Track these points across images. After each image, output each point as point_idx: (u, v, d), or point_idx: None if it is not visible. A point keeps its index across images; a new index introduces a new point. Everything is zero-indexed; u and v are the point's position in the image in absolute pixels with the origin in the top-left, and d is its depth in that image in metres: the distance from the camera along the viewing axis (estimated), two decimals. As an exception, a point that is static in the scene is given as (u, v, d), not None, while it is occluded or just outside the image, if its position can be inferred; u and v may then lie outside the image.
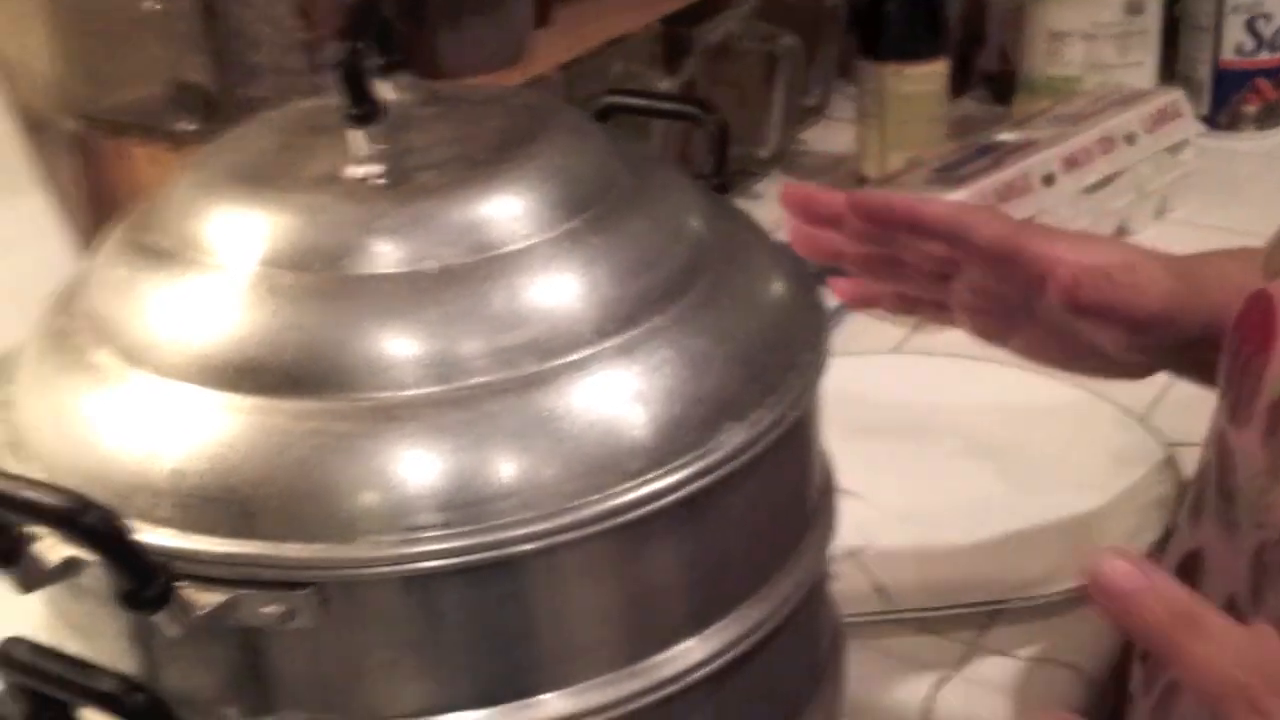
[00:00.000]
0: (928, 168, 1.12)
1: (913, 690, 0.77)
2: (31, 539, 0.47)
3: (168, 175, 0.54)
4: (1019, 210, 1.07)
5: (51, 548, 0.47)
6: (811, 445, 0.54)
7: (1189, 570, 0.67)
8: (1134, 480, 0.88)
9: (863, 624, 0.78)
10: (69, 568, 0.47)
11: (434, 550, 0.44)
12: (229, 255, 0.48)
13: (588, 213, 0.50)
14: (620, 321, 0.47)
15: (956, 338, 1.07)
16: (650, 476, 0.46)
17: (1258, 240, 0.72)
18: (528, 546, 0.45)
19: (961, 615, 0.80)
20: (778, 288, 0.53)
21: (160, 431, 0.47)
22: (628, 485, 0.46)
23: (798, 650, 0.55)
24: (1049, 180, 1.10)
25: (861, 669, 0.73)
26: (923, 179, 1.10)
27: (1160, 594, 0.47)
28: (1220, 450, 0.64)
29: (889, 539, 0.86)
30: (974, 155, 1.13)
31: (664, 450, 0.46)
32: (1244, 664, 0.46)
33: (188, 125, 0.98)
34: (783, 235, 0.75)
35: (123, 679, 0.46)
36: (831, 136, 1.42)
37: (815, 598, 0.55)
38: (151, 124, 1.00)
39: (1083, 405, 0.94)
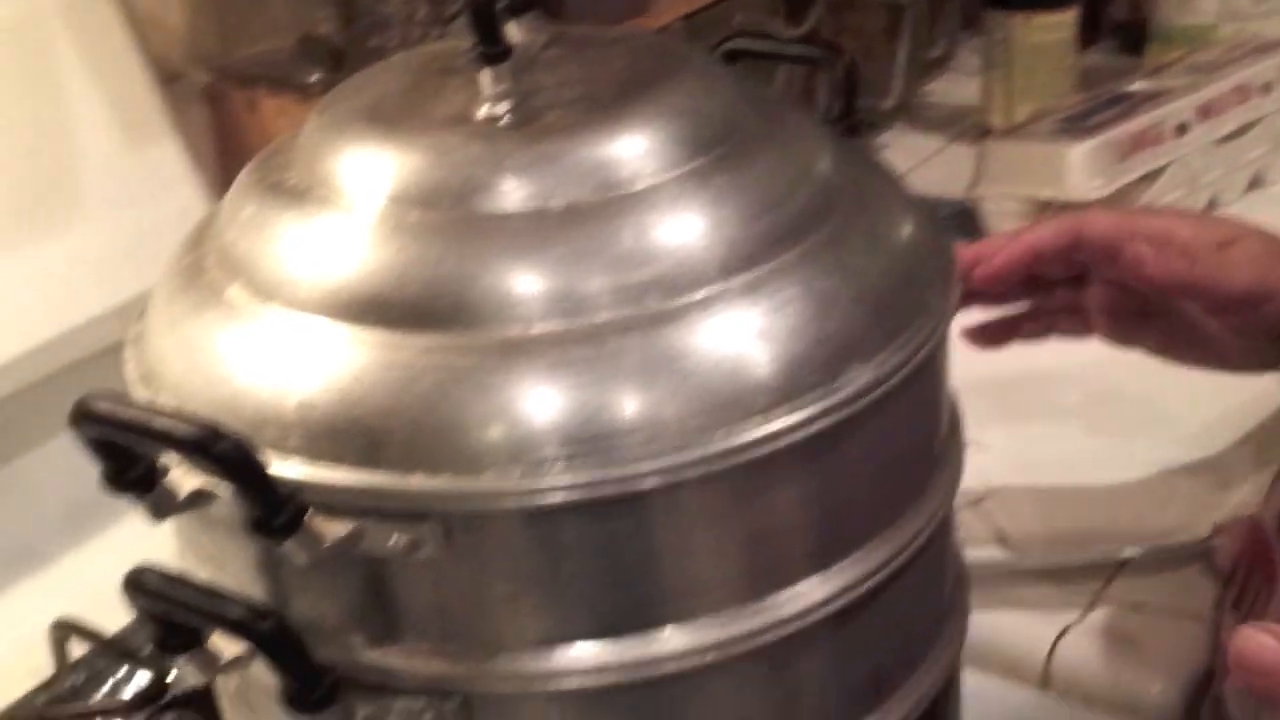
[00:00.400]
0: (1054, 118, 1.11)
1: (1036, 640, 0.77)
2: (165, 470, 0.48)
3: (296, 126, 0.55)
4: (1150, 161, 1.05)
5: (183, 479, 0.48)
6: (939, 388, 0.54)
7: None
8: (1266, 431, 0.87)
9: (985, 573, 0.77)
10: (199, 498, 0.48)
11: (558, 485, 0.44)
12: (358, 193, 0.49)
13: (714, 152, 0.49)
14: (745, 260, 0.47)
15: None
16: (775, 414, 0.46)
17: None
18: (651, 482, 0.45)
19: (1087, 565, 0.79)
20: (907, 230, 0.53)
21: (289, 364, 0.47)
22: (752, 423, 0.45)
23: (921, 592, 0.54)
24: (1182, 130, 1.08)
25: (983, 617, 0.73)
26: (1049, 129, 1.08)
27: None
28: None
29: (1012, 488, 0.85)
30: (1103, 105, 1.11)
31: (788, 389, 0.46)
32: None
33: (315, 77, 0.99)
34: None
35: (251, 605, 0.46)
36: (956, 89, 1.40)
37: (940, 541, 0.55)
38: (280, 76, 1.01)
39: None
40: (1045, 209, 1.06)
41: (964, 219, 1.13)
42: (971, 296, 0.79)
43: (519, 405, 0.45)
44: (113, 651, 0.86)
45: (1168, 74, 1.17)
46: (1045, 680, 0.76)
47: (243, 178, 0.54)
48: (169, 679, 0.84)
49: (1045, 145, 1.05)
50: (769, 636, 0.49)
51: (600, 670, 0.48)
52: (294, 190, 0.51)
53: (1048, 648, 0.76)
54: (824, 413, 0.46)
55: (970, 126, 1.31)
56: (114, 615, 0.83)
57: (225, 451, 0.43)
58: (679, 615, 0.48)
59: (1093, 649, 0.76)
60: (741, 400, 0.45)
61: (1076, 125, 1.07)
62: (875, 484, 0.50)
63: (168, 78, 1.01)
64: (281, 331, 0.48)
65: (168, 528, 0.53)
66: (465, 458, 0.45)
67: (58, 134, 0.96)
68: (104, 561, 0.95)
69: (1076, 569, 0.79)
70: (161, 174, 1.00)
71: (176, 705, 0.81)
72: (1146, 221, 0.75)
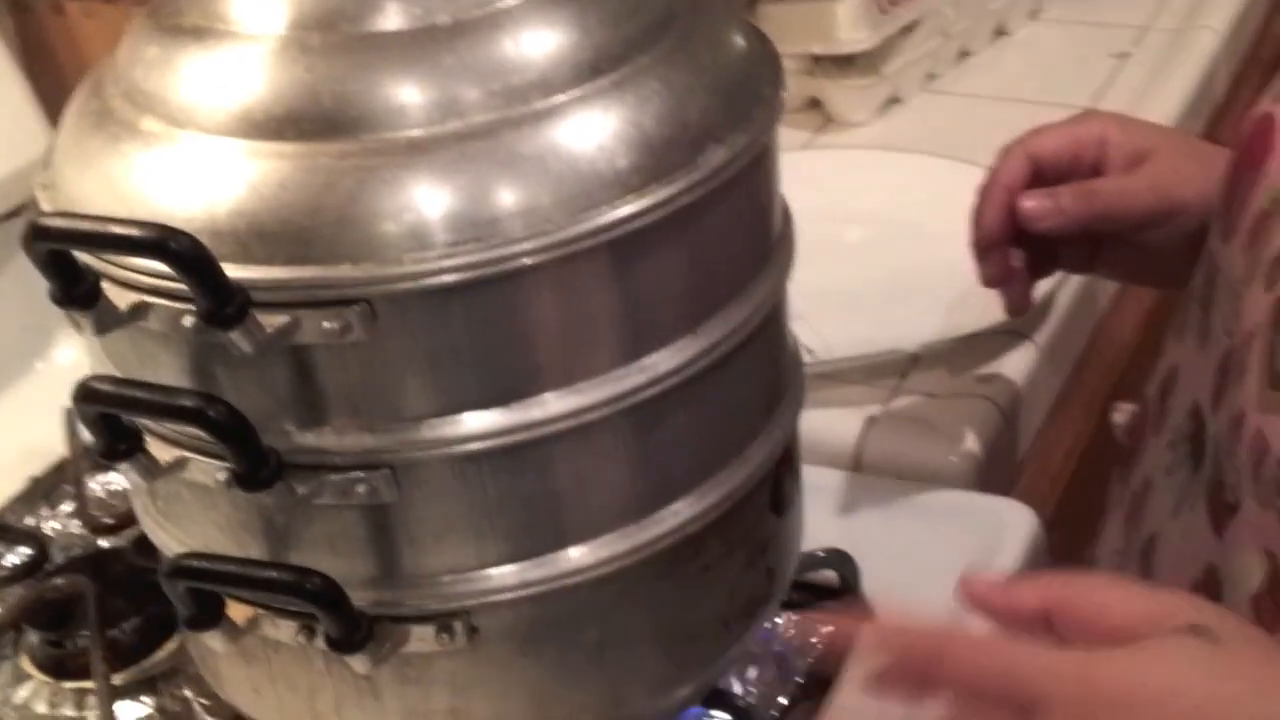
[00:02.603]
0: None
1: (847, 430, 0.86)
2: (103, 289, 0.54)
3: (104, 27, 0.59)
4: (908, 14, 1.15)
5: (120, 295, 0.53)
6: (774, 175, 0.62)
7: (1166, 386, 0.73)
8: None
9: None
10: (138, 311, 0.53)
11: (455, 265, 0.51)
12: (257, 24, 0.54)
13: (574, -29, 0.56)
14: (613, 60, 0.54)
15: (863, 135, 1.15)
16: (646, 192, 0.53)
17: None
18: (528, 260, 0.52)
19: (885, 364, 0.89)
20: (738, 36, 0.60)
21: (213, 181, 0.52)
22: (627, 199, 0.53)
23: (769, 356, 0.63)
24: (932, -17, 1.18)
25: (802, 416, 0.82)
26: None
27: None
28: (1207, 269, 0.69)
29: (813, 313, 0.93)
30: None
31: (657, 169, 0.53)
32: None
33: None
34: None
35: (203, 394, 0.52)
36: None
37: (780, 314, 0.63)
38: (82, -23, 1.03)
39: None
40: (819, 63, 1.15)
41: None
42: (996, 254, 0.78)
43: (419, 198, 0.51)
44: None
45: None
46: (858, 463, 0.86)
47: (136, 26, 0.59)
48: (49, 551, 0.87)
49: (815, 4, 1.13)
50: (648, 393, 0.56)
51: (499, 434, 0.55)
52: (194, 30, 0.56)
53: (856, 435, 0.86)
54: (690, 188, 0.54)
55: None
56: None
57: (182, 246, 0.49)
58: (563, 380, 0.55)
59: (896, 432, 0.86)
60: (619, 181, 0.53)
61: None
62: (731, 255, 0.58)
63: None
64: (201, 153, 0.53)
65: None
66: (385, 245, 0.51)
67: None
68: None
69: (878, 368, 0.89)
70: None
71: (58, 573, 0.84)
72: (1088, 130, 0.76)
